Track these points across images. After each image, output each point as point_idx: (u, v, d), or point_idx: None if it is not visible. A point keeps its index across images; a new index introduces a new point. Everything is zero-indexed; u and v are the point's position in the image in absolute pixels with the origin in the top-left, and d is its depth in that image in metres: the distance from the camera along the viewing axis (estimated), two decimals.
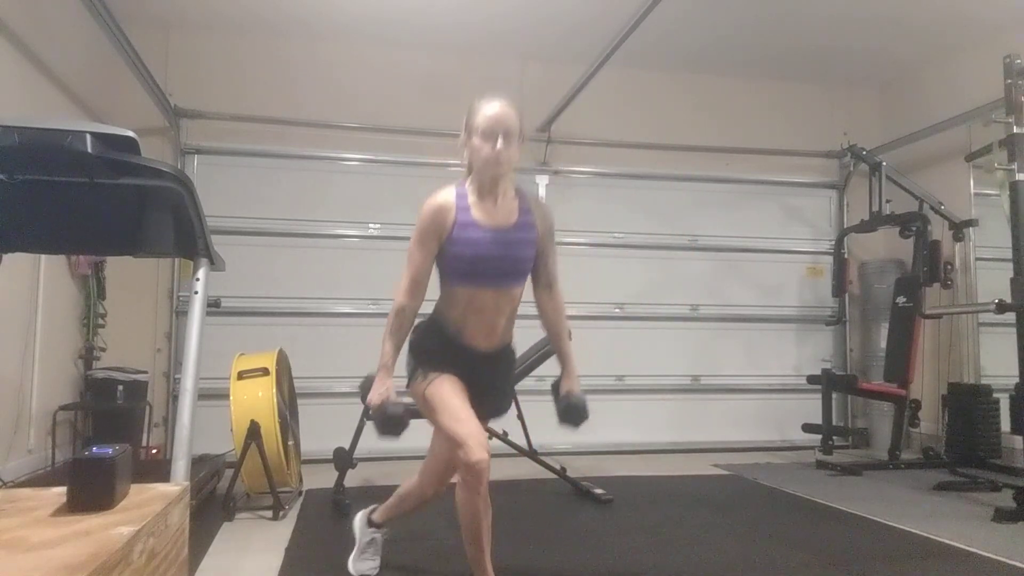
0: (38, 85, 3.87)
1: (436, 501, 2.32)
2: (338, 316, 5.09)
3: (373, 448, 4.39)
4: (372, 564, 2.48)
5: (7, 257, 2.14)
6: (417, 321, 2.16)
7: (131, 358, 4.63)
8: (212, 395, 3.51)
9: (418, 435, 4.94)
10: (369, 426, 3.63)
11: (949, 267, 4.89)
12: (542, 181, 5.34)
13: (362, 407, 3.65)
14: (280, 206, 5.06)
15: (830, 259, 5.73)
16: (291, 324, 4.99)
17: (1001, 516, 3.29)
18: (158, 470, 3.07)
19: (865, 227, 5.26)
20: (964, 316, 5.05)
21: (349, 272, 5.13)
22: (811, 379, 5.02)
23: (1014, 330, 3.60)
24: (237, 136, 5.04)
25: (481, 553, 2.09)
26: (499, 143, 2.02)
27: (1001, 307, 3.69)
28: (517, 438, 3.91)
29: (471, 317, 2.08)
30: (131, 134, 1.79)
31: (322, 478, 3.80)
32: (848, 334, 5.89)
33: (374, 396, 2.07)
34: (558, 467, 3.97)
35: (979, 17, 4.77)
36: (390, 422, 2.04)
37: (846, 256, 5.66)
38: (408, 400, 2.12)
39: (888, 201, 5.03)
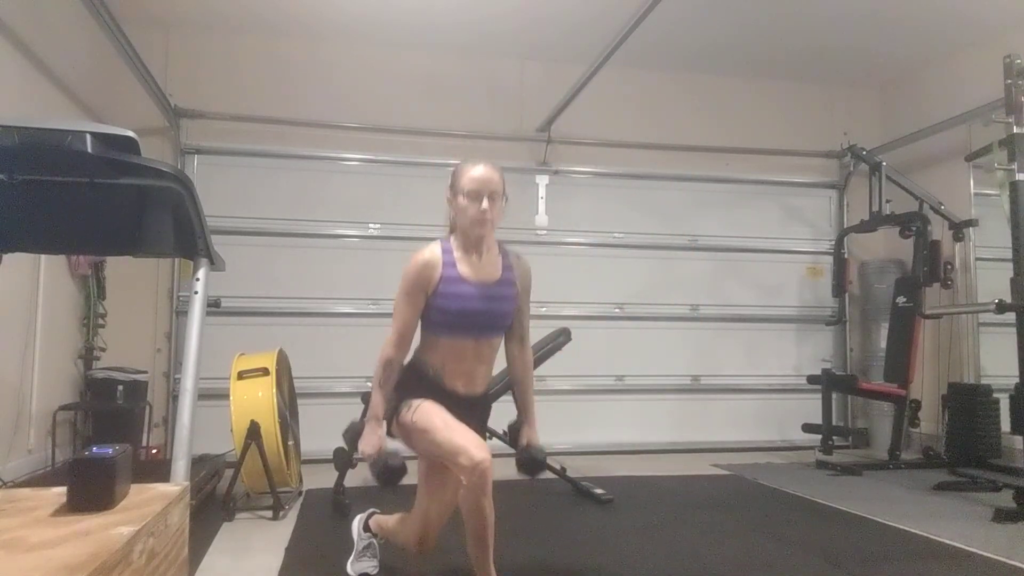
0: (38, 85, 3.87)
1: (418, 557, 2.30)
2: (338, 316, 5.09)
3: None
4: (371, 564, 2.51)
5: (7, 257, 2.13)
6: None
7: (131, 358, 4.62)
8: (212, 395, 3.51)
9: None
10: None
11: (949, 267, 4.89)
12: (542, 181, 5.33)
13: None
14: (280, 206, 5.06)
15: (830, 259, 5.73)
16: (291, 324, 4.99)
17: (1001, 516, 3.29)
18: (158, 470, 3.07)
19: (865, 227, 5.26)
20: (964, 316, 5.05)
21: (349, 272, 5.13)
22: (811, 379, 5.02)
23: (1014, 330, 3.60)
24: (237, 136, 5.04)
25: (485, 554, 2.12)
26: (484, 203, 2.10)
27: (1001, 307, 3.69)
28: None
29: (451, 363, 2.18)
30: (131, 134, 1.79)
31: (322, 478, 3.80)
32: (848, 334, 5.89)
33: (367, 446, 2.12)
34: (558, 467, 3.97)
35: (979, 17, 4.77)
36: (391, 473, 2.08)
37: (846, 256, 5.66)
38: (398, 446, 2.17)
39: (888, 201, 5.03)
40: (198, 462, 3.52)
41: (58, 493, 1.35)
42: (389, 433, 2.19)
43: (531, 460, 2.25)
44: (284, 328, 4.93)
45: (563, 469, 3.98)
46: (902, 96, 5.89)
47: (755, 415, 5.65)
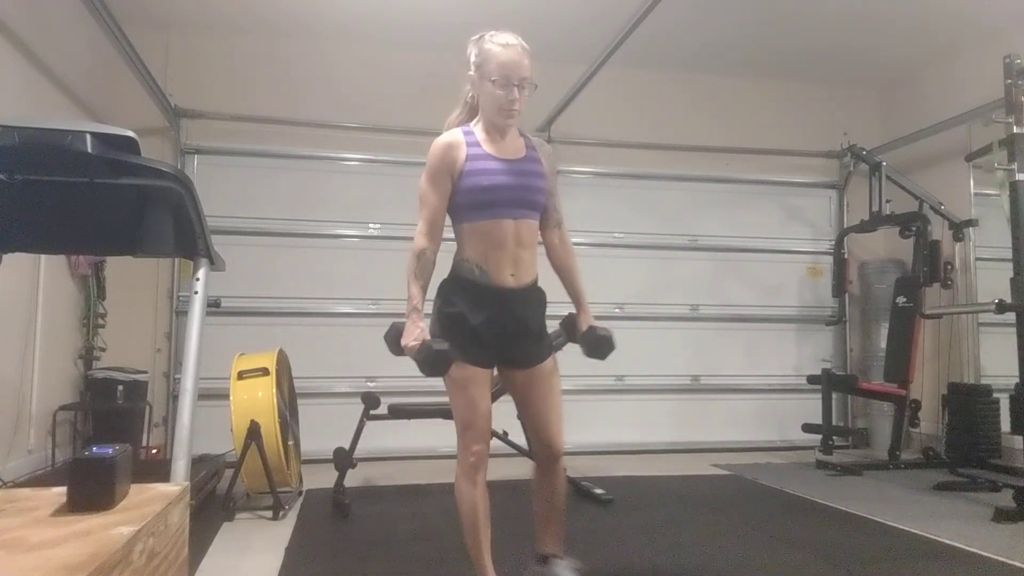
0: (38, 85, 3.88)
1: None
2: (338, 316, 5.09)
3: (373, 448, 4.41)
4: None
5: (7, 257, 2.13)
6: (436, 282, 2.14)
7: (131, 358, 4.62)
8: (212, 395, 3.51)
9: (418, 435, 4.92)
10: (369, 426, 3.65)
11: (949, 267, 4.89)
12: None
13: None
14: (280, 206, 5.06)
15: (830, 259, 5.73)
16: (291, 324, 4.99)
17: (1001, 516, 3.29)
18: (158, 470, 3.07)
19: (865, 227, 5.26)
20: (964, 316, 5.05)
21: (349, 272, 5.13)
22: (811, 379, 5.02)
23: (1014, 330, 3.60)
24: (237, 136, 5.04)
25: (480, 549, 2.08)
26: (514, 93, 2.04)
27: (1001, 307, 3.69)
28: (517, 438, 3.91)
29: (492, 252, 2.06)
30: (131, 134, 1.79)
31: (322, 478, 3.80)
32: (848, 334, 5.89)
33: (409, 339, 2.00)
34: None
35: (979, 17, 4.77)
36: (438, 359, 1.97)
37: (846, 256, 5.66)
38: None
39: (888, 201, 5.03)
40: (198, 462, 3.52)
41: (58, 493, 1.35)
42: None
43: (598, 339, 2.19)
44: (284, 328, 4.93)
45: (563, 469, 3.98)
46: (902, 96, 5.89)
47: (755, 415, 5.65)
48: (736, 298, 5.75)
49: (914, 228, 4.87)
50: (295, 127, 5.14)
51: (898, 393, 4.80)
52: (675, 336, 5.58)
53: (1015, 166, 3.56)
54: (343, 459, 3.57)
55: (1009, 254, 3.61)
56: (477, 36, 2.18)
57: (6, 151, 1.68)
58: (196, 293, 2.05)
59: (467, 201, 2.07)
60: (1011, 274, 3.59)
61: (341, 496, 3.49)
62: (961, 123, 5.00)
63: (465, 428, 2.02)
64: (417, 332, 2.01)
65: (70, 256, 4.31)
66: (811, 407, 5.04)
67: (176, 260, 4.83)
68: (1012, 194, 3.59)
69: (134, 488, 1.41)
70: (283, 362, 3.75)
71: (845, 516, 3.42)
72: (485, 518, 2.07)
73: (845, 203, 5.96)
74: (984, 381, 4.87)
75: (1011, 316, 3.64)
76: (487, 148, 2.09)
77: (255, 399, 3.34)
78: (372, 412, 3.62)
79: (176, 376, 4.78)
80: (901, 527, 3.18)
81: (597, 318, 2.29)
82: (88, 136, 1.68)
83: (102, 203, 1.97)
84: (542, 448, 2.16)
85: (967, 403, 4.59)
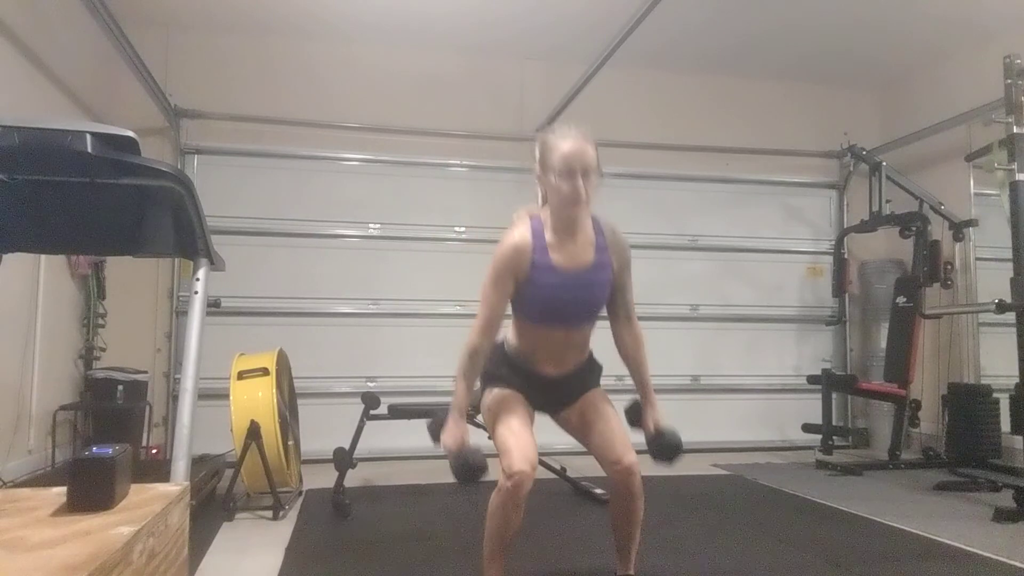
0: (38, 85, 3.88)
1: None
2: (338, 316, 5.09)
3: (373, 448, 4.41)
4: None
5: (7, 257, 2.13)
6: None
7: (131, 358, 4.62)
8: (212, 395, 3.51)
9: (418, 436, 4.92)
10: (369, 426, 3.64)
11: (949, 267, 4.89)
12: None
13: (364, 410, 3.64)
14: (280, 206, 5.06)
15: (830, 259, 5.73)
16: (291, 324, 4.99)
17: (1001, 516, 3.29)
18: (158, 470, 3.08)
19: (865, 227, 5.26)
20: (964, 316, 5.05)
21: (349, 272, 5.13)
22: (811, 379, 5.02)
23: (1014, 330, 3.60)
24: (237, 136, 5.04)
25: (495, 561, 2.08)
26: (578, 181, 1.99)
27: (1001, 307, 3.69)
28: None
29: (540, 350, 2.13)
30: (131, 134, 1.78)
31: (322, 478, 3.80)
32: (848, 334, 5.89)
33: (449, 441, 2.03)
34: (558, 467, 3.97)
35: (979, 18, 4.77)
36: (471, 471, 1.99)
37: (846, 256, 5.66)
38: (479, 444, 2.08)
39: (888, 201, 5.03)
40: (198, 462, 3.51)
41: (58, 493, 1.35)
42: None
43: (667, 446, 2.20)
44: (284, 328, 4.93)
45: (563, 469, 3.98)
46: (902, 96, 5.89)
47: (755, 415, 5.65)
48: (736, 298, 5.75)
49: (914, 228, 4.87)
50: (295, 127, 5.14)
51: (898, 393, 4.80)
52: (675, 336, 5.58)
53: (1015, 166, 3.56)
54: (343, 459, 3.57)
55: (1009, 254, 3.61)
56: (542, 131, 2.17)
57: (6, 151, 1.68)
58: (196, 293, 2.05)
59: (525, 308, 2.10)
60: (1011, 274, 3.59)
61: (341, 496, 3.49)
62: (961, 123, 5.00)
63: (507, 451, 1.95)
64: (457, 434, 2.03)
65: (70, 256, 4.31)
66: (811, 407, 5.04)
67: (176, 260, 4.83)
68: (1012, 194, 3.59)
69: (134, 488, 1.41)
70: (283, 362, 3.75)
71: (845, 516, 3.42)
72: (512, 536, 2.05)
73: (845, 203, 5.96)
74: (984, 381, 4.86)
75: (1011, 316, 3.64)
76: (554, 256, 2.05)
77: (255, 399, 3.34)
78: (372, 412, 3.62)
79: (176, 376, 4.78)
80: (901, 527, 3.18)
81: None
82: (88, 136, 1.67)
83: (102, 203, 1.97)
84: (613, 467, 2.10)
85: (967, 403, 4.59)
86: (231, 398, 3.34)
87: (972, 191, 5.03)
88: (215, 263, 2.17)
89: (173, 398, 4.80)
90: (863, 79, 5.92)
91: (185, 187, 1.94)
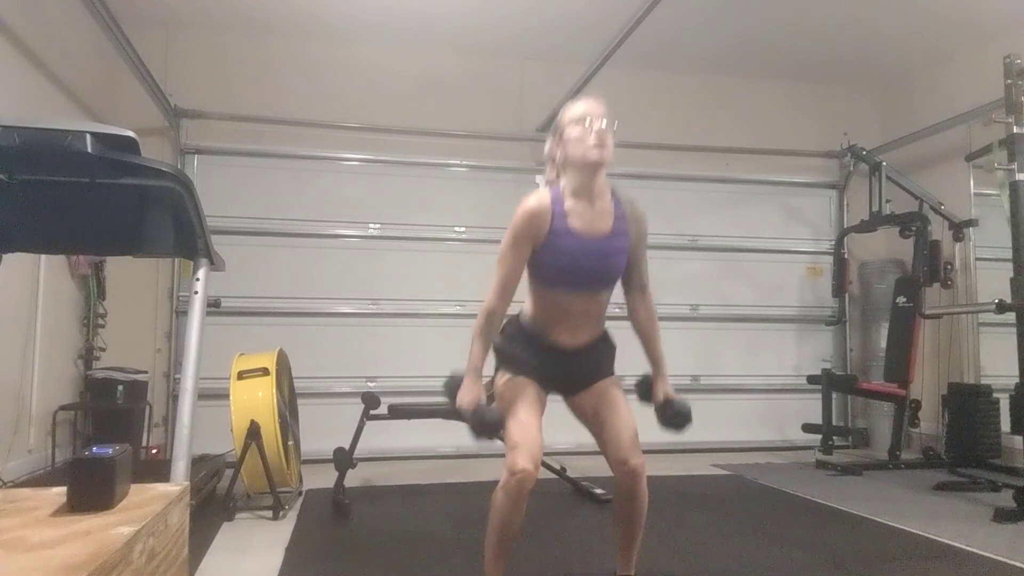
0: (38, 85, 3.88)
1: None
2: (338, 316, 5.09)
3: (373, 448, 4.41)
4: None
5: (7, 257, 2.13)
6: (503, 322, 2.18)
7: (131, 358, 4.62)
8: (212, 395, 3.50)
9: (418, 435, 4.91)
10: (369, 426, 3.64)
11: (949, 267, 4.89)
12: (542, 181, 5.32)
13: (363, 405, 3.64)
14: (280, 206, 5.06)
15: (830, 259, 5.73)
16: (291, 324, 4.99)
17: (1001, 516, 3.29)
18: (158, 470, 3.07)
19: (865, 227, 5.26)
20: (964, 316, 5.05)
21: (349, 272, 5.13)
22: (811, 379, 5.02)
23: (1014, 330, 3.59)
24: (237, 136, 5.04)
25: (497, 560, 2.07)
26: (597, 126, 1.99)
27: (1001, 307, 3.69)
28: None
29: (556, 318, 2.11)
30: (131, 134, 1.78)
31: (322, 478, 3.80)
32: (848, 334, 5.89)
33: (465, 400, 2.05)
34: (558, 467, 3.97)
35: (979, 18, 4.77)
36: (487, 427, 2.01)
37: (846, 256, 5.66)
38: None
39: (888, 201, 5.03)
40: (198, 462, 3.52)
41: (58, 493, 1.35)
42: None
43: (676, 414, 2.20)
44: (284, 328, 4.93)
45: (563, 469, 3.98)
46: (902, 96, 5.89)
47: (755, 415, 5.65)
48: (736, 298, 5.75)
49: (914, 228, 4.87)
50: (295, 127, 5.14)
51: (898, 393, 4.80)
52: (675, 336, 5.57)
53: (1015, 166, 3.56)
54: (343, 459, 3.58)
55: (1009, 254, 3.61)
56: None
57: (6, 151, 1.68)
58: (196, 293, 2.05)
59: (541, 272, 2.09)
60: (1011, 274, 3.59)
61: (341, 496, 3.49)
62: (961, 123, 5.00)
63: (513, 447, 1.97)
64: (474, 393, 2.05)
65: (70, 256, 4.31)
66: (811, 407, 5.03)
67: (176, 260, 4.84)
68: (1012, 194, 3.58)
69: (134, 488, 1.41)
70: (283, 362, 3.75)
71: (845, 516, 3.42)
72: (514, 534, 2.05)
73: (845, 203, 5.96)
74: (984, 381, 4.87)
75: (1011, 316, 3.64)
76: (572, 222, 2.04)
77: (255, 399, 3.34)
78: (372, 412, 3.62)
79: (176, 376, 4.78)
80: (901, 527, 3.18)
81: None
82: (88, 136, 1.67)
83: (102, 203, 1.97)
84: (619, 467, 2.10)
85: (967, 403, 4.59)
86: (231, 398, 3.35)
87: (972, 191, 5.03)
88: (215, 263, 2.17)
89: (173, 398, 4.81)
90: (863, 79, 5.92)
91: (185, 187, 1.93)
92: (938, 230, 4.93)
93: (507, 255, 2.07)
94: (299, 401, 4.13)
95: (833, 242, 5.74)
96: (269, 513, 3.31)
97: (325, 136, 5.20)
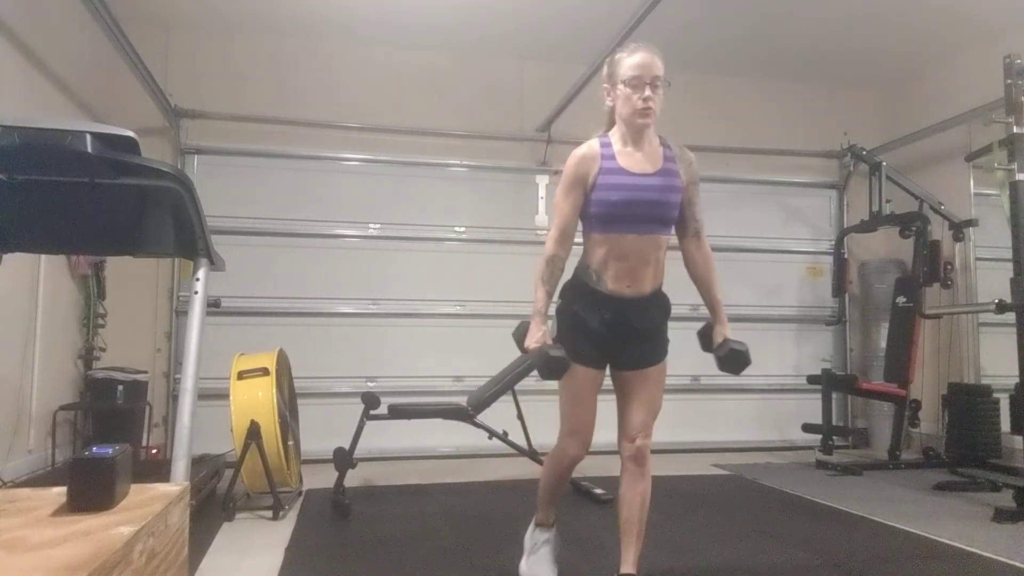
0: (38, 85, 3.87)
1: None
2: (338, 316, 5.09)
3: (373, 448, 4.42)
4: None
5: (7, 257, 2.13)
6: (562, 283, 2.22)
7: (131, 358, 4.62)
8: (212, 395, 3.51)
9: (418, 435, 4.91)
10: (369, 426, 3.64)
11: (949, 267, 4.89)
12: (542, 181, 5.33)
13: (363, 404, 3.65)
14: (280, 206, 5.06)
15: (830, 259, 5.73)
16: (291, 324, 4.99)
17: (1001, 516, 3.29)
18: (158, 470, 3.07)
19: (865, 227, 5.26)
20: (964, 316, 5.05)
21: (349, 272, 5.13)
22: (811, 379, 5.02)
23: (1014, 330, 3.59)
24: (237, 136, 5.04)
25: (551, 506, 2.38)
26: (647, 91, 2.06)
27: (1001, 307, 3.69)
28: (517, 438, 3.91)
29: (613, 263, 2.12)
30: (131, 134, 1.79)
31: (322, 478, 3.80)
32: (848, 334, 5.89)
33: (531, 342, 2.11)
34: None
35: (979, 17, 4.77)
36: (553, 364, 2.07)
37: (846, 256, 5.66)
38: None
39: (888, 201, 5.04)
40: (198, 462, 3.52)
41: (58, 493, 1.35)
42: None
43: (734, 354, 2.31)
44: (284, 328, 4.93)
45: None
46: (902, 96, 5.89)
47: (755, 415, 5.65)
48: (736, 298, 5.74)
49: (914, 228, 4.87)
50: (295, 127, 5.14)
51: (898, 393, 4.80)
52: (675, 336, 5.51)
53: (1015, 166, 3.55)
54: (343, 459, 3.57)
55: (1009, 254, 3.61)
56: (613, 51, 2.22)
57: (6, 151, 1.68)
58: (196, 293, 2.05)
59: (596, 213, 2.11)
60: (1011, 274, 3.59)
61: (341, 496, 3.49)
62: (961, 123, 5.00)
63: (569, 433, 2.17)
64: (539, 335, 2.11)
65: (70, 256, 4.31)
66: (811, 407, 5.03)
67: (176, 260, 4.83)
68: (1012, 194, 3.58)
69: (134, 488, 1.41)
70: (283, 362, 3.75)
71: (845, 516, 3.42)
72: (562, 489, 2.37)
73: (845, 203, 5.96)
74: (984, 381, 4.87)
75: (1011, 316, 3.64)
76: (622, 161, 2.11)
77: (255, 399, 3.34)
78: (372, 412, 3.62)
79: (176, 376, 4.78)
80: (901, 527, 3.18)
81: None
82: (88, 136, 1.68)
83: (102, 203, 1.97)
84: (625, 442, 2.23)
85: (967, 403, 4.59)
86: (231, 398, 3.34)
87: (972, 191, 5.03)
88: (215, 263, 2.17)
89: (173, 398, 4.80)
90: (863, 79, 5.92)
91: (185, 187, 1.94)
92: (938, 230, 4.94)
93: (562, 202, 2.14)
94: (299, 401, 4.14)
95: (833, 242, 5.74)
96: (269, 513, 3.31)
97: (325, 136, 5.20)
